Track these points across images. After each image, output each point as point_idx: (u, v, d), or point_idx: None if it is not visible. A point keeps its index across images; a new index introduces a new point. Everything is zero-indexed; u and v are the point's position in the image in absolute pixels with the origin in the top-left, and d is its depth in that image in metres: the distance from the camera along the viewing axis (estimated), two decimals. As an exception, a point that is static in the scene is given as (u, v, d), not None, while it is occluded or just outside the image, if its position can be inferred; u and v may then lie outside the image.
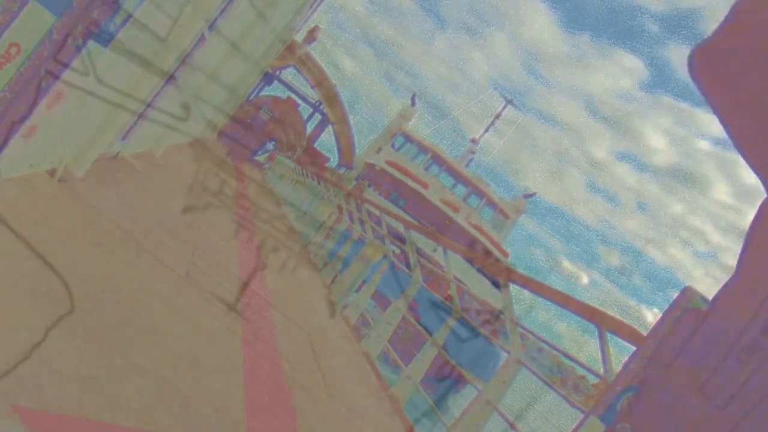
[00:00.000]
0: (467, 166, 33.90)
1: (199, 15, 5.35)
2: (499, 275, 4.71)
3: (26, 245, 2.76)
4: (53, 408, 1.97)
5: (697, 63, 1.14)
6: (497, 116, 36.62)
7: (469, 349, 13.67)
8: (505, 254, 31.34)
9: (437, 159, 32.16)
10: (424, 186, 30.77)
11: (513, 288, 4.56)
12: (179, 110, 8.76)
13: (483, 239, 30.10)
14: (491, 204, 31.95)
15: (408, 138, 33.21)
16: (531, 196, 35.40)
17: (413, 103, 35.22)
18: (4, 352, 2.06)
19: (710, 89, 1.13)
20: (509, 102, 36.81)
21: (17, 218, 3.02)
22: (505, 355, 4.41)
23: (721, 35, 1.11)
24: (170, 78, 6.31)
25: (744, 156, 1.12)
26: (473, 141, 35.91)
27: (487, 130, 36.61)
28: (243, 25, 8.94)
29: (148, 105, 6.27)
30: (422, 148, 32.54)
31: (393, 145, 33.23)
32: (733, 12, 1.11)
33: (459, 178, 31.94)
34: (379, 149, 33.55)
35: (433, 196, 30.59)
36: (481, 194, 31.73)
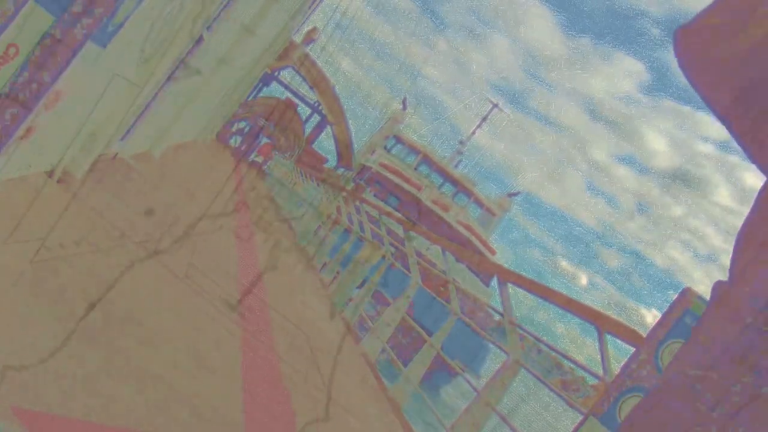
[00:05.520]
0: (456, 166, 34.89)
1: (199, 14, 5.34)
2: (500, 276, 4.71)
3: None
4: (53, 408, 1.96)
5: (680, 41, 1.15)
6: (484, 119, 37.39)
7: (460, 341, 14.05)
8: (493, 252, 32.75)
9: (427, 160, 33.41)
10: (418, 188, 31.74)
11: (514, 291, 4.55)
12: (179, 110, 8.76)
13: (472, 238, 31.22)
14: (478, 202, 33.25)
15: (399, 140, 34.42)
16: (515, 194, 37.29)
17: (404, 107, 36.33)
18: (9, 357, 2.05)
19: (693, 67, 1.14)
20: (495, 105, 37.64)
21: (15, 219, 3.02)
22: (494, 347, 4.41)
23: (706, 15, 1.12)
24: (169, 78, 6.31)
25: (731, 132, 1.13)
26: (461, 142, 36.70)
27: (474, 132, 37.43)
28: (244, 23, 8.93)
29: (148, 105, 6.27)
30: (413, 150, 33.76)
31: (385, 147, 34.09)
32: None
33: (447, 177, 33.18)
34: (373, 151, 34.35)
35: (425, 196, 31.47)
36: (468, 193, 32.95)
